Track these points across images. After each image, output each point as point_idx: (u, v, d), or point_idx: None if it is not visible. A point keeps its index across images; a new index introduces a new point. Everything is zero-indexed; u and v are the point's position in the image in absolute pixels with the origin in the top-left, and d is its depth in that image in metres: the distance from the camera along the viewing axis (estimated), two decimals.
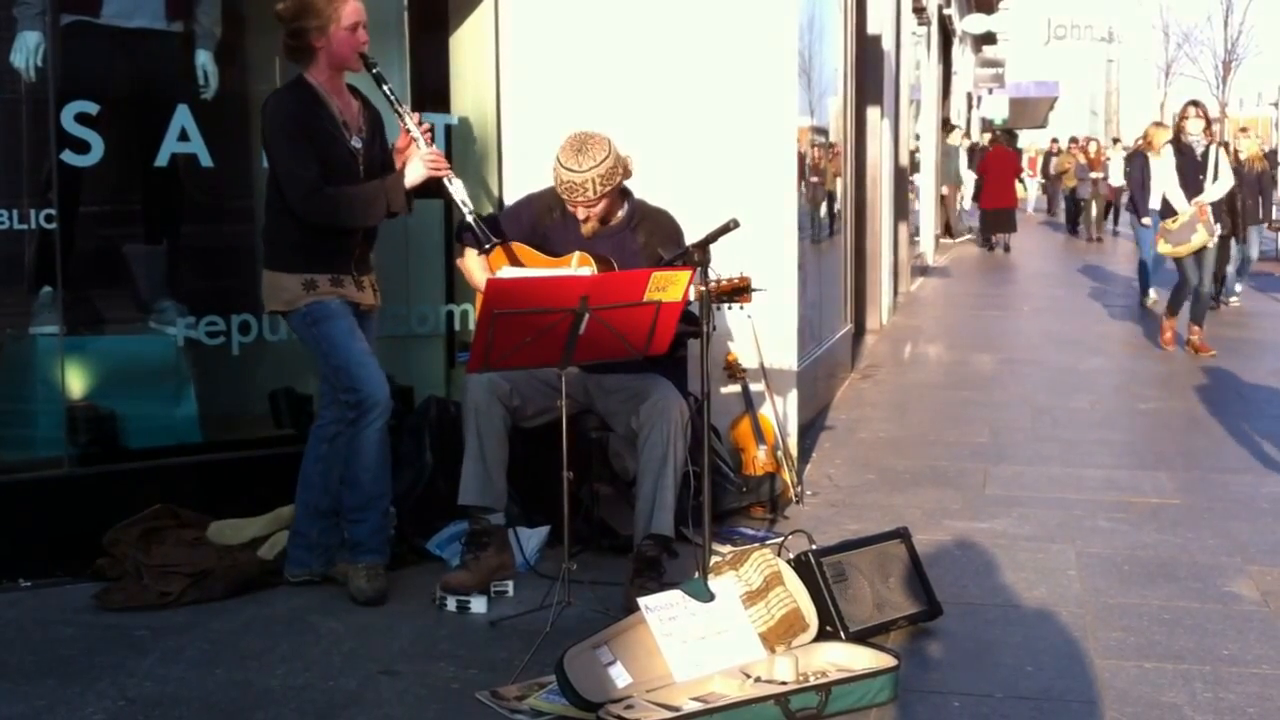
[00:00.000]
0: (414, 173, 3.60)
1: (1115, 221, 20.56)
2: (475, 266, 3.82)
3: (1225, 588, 3.81)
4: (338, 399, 3.62)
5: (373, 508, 3.65)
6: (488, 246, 3.66)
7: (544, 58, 4.74)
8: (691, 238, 3.46)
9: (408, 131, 3.63)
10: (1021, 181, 19.33)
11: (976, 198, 18.73)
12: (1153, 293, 10.90)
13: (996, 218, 17.48)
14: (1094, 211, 19.77)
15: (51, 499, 3.89)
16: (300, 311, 3.57)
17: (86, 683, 3.06)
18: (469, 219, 3.65)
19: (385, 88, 3.61)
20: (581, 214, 3.68)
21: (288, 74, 3.74)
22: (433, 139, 3.67)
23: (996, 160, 18.05)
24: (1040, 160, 25.81)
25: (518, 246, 3.79)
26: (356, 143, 3.62)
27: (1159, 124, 11.57)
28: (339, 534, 3.73)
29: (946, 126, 18.87)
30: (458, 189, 3.66)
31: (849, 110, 8.20)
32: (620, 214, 3.77)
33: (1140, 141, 12.19)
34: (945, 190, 18.42)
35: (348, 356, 3.56)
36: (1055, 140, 26.21)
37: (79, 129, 3.95)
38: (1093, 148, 21.19)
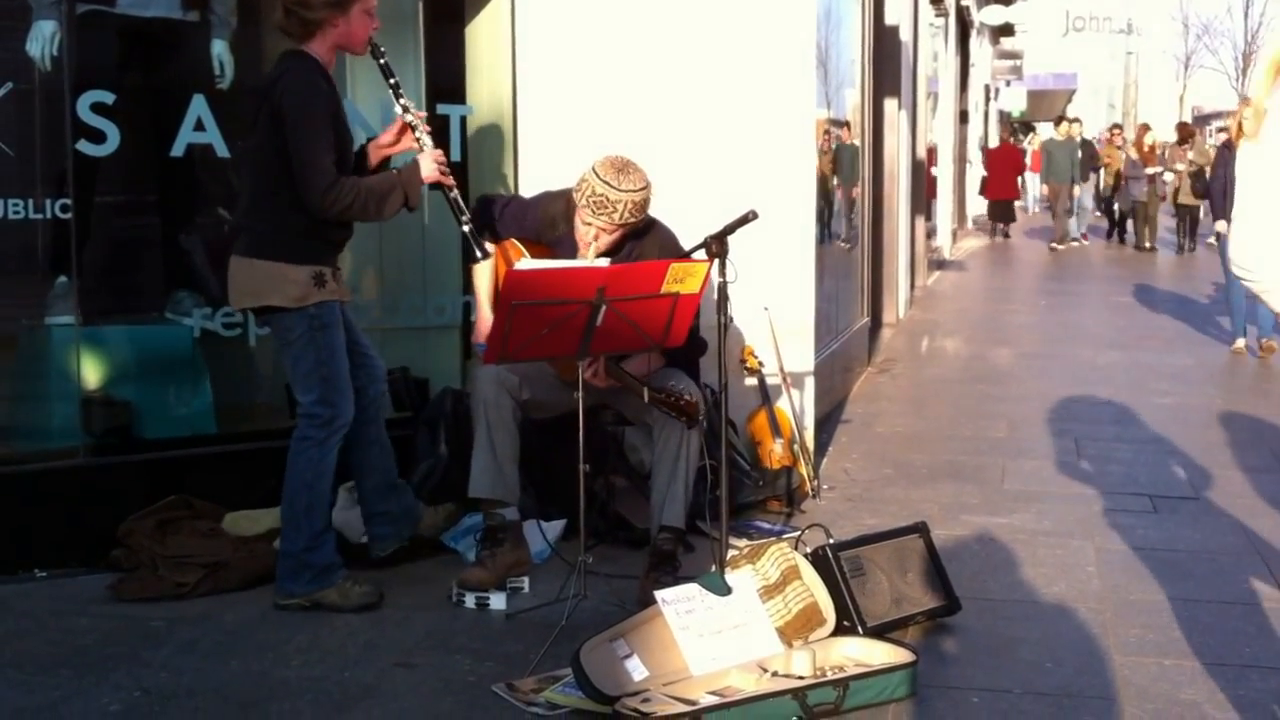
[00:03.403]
0: (427, 169, 3.47)
1: (1191, 236, 16.57)
2: (482, 275, 3.72)
3: (1245, 584, 3.77)
4: (305, 409, 3.44)
5: (332, 525, 3.57)
6: (480, 256, 3.55)
7: (560, 49, 4.72)
8: (708, 228, 3.43)
9: (411, 128, 3.48)
10: (1022, 178, 18.96)
11: (982, 191, 19.89)
12: (1243, 341, 8.32)
13: (998, 208, 19.31)
14: (1147, 215, 16.81)
15: (66, 489, 3.89)
16: (308, 311, 3.38)
17: (102, 673, 3.06)
18: (465, 229, 3.51)
19: (392, 80, 3.47)
20: (590, 234, 3.56)
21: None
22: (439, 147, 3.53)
23: (1001, 156, 19.46)
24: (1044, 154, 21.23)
25: (529, 245, 3.74)
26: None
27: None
28: (408, 498, 3.73)
29: (1059, 120, 18.31)
30: (456, 195, 3.52)
31: (866, 102, 8.16)
32: (623, 248, 3.68)
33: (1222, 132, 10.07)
34: (1048, 192, 17.64)
35: (339, 369, 3.44)
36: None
37: (95, 118, 3.95)
38: (1149, 139, 17.23)
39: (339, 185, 3.31)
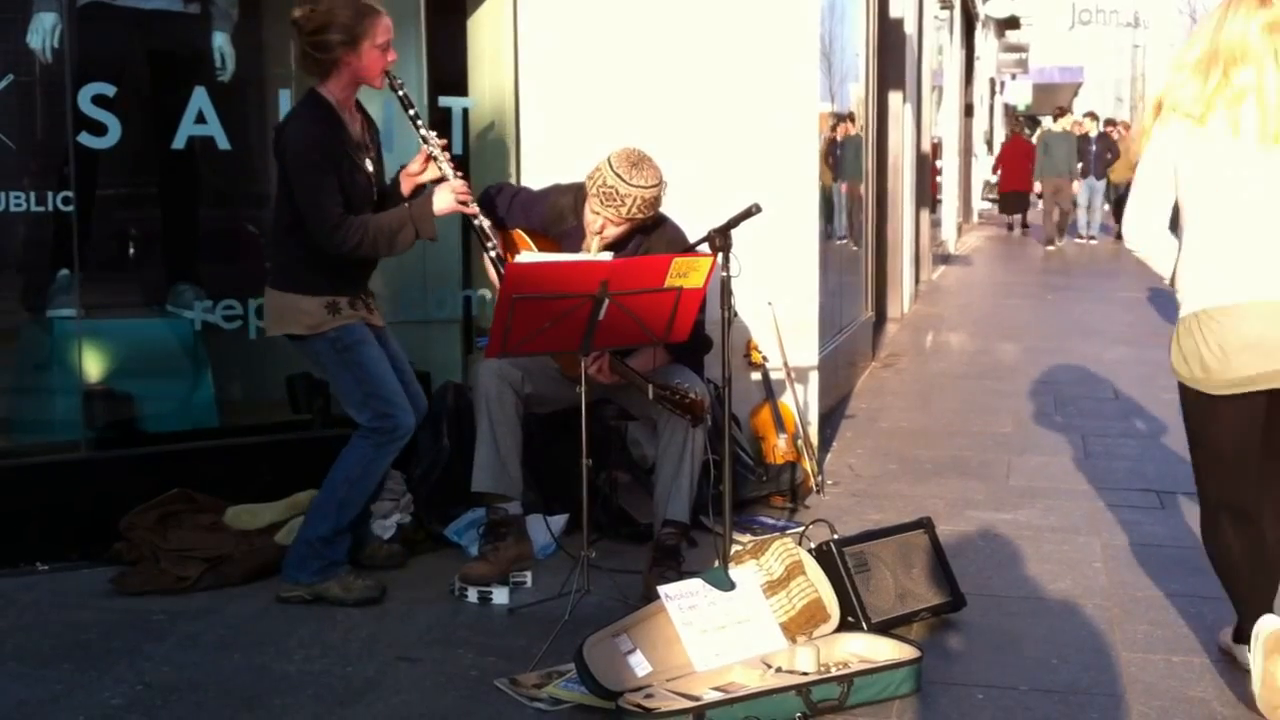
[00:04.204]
0: (443, 202, 3.44)
1: None
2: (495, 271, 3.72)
3: None
4: (364, 425, 3.47)
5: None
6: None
7: (562, 41, 4.70)
8: (711, 222, 3.41)
9: (432, 158, 3.48)
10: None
11: (995, 197, 20.63)
12: None
13: (1011, 200, 19.49)
14: None
15: (68, 482, 3.89)
16: (327, 337, 3.42)
17: (104, 667, 3.05)
18: (491, 255, 3.50)
19: (410, 111, 3.47)
20: (597, 225, 3.56)
21: (299, 77, 3.67)
22: (460, 170, 3.51)
23: (1013, 149, 19.54)
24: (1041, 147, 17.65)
25: (536, 238, 3.72)
26: (369, 164, 3.50)
27: None
28: (364, 528, 3.73)
29: (1058, 112, 17.78)
30: (481, 223, 3.51)
31: (870, 96, 8.13)
32: (630, 242, 3.67)
33: None
34: (1044, 188, 16.70)
35: (381, 381, 3.46)
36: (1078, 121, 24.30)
37: (96, 111, 3.93)
38: None
39: (345, 226, 3.36)
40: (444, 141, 3.52)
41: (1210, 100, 2.73)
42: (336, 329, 3.43)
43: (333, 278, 3.44)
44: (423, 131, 3.50)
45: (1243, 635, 2.90)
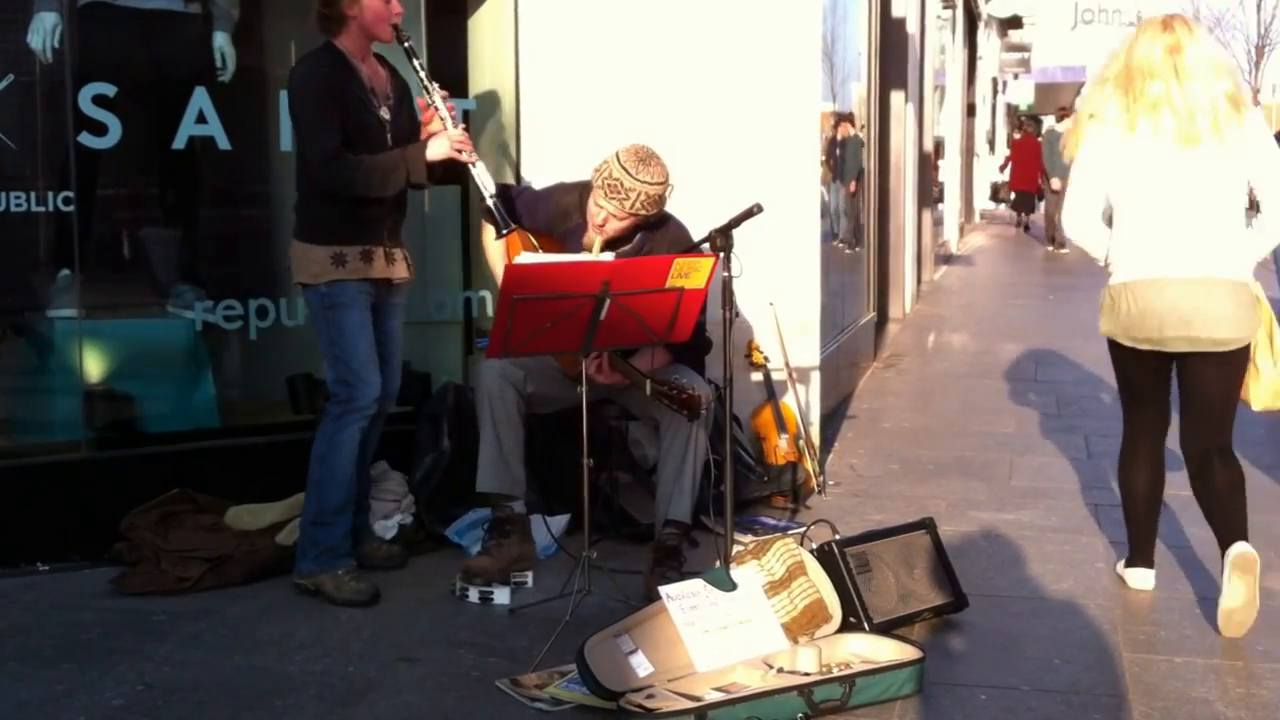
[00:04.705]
0: (437, 149, 3.52)
1: None
2: (496, 253, 3.74)
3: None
4: (329, 386, 3.56)
5: (348, 509, 3.60)
6: (505, 231, 3.58)
7: (562, 42, 4.69)
8: (713, 222, 3.40)
9: (435, 109, 3.55)
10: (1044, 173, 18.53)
11: (994, 196, 20.63)
12: None
13: (1020, 199, 19.70)
14: None
15: (69, 482, 3.88)
16: (320, 289, 3.50)
17: (104, 667, 3.05)
18: (489, 202, 3.57)
19: (416, 62, 3.56)
20: (600, 217, 3.57)
21: (310, 48, 3.69)
22: (463, 124, 3.57)
23: (1022, 148, 19.53)
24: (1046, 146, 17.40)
25: (539, 237, 3.72)
26: (385, 112, 3.57)
27: None
28: (363, 518, 3.75)
29: (1060, 113, 17.72)
30: (480, 171, 3.59)
31: (872, 95, 8.12)
32: (633, 239, 3.68)
33: None
34: (1056, 186, 16.24)
35: (352, 351, 3.50)
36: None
37: (97, 111, 3.93)
38: None
39: (338, 161, 3.43)
40: (445, 92, 3.60)
41: (1132, 109, 3.28)
42: (330, 284, 3.49)
43: (340, 228, 3.50)
44: (425, 82, 3.58)
45: (1132, 561, 3.64)
